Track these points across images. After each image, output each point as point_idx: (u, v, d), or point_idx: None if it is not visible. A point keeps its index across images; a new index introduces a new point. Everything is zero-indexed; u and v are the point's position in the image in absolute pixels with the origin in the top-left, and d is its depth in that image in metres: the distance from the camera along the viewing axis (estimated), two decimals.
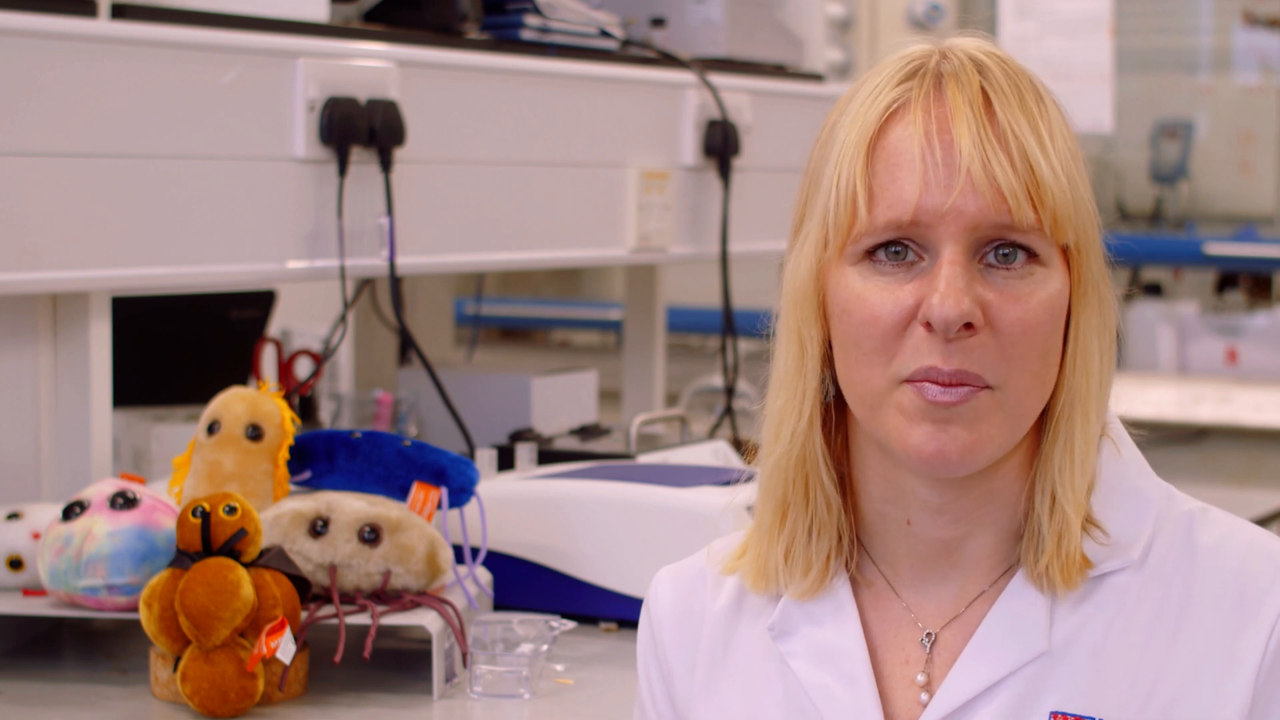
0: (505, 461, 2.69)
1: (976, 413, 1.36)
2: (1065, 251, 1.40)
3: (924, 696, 1.43)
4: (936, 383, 1.36)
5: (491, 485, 2.43)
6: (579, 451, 2.84)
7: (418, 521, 2.21)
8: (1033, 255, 1.38)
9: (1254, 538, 1.44)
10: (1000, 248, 1.37)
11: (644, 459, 2.77)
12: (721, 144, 3.23)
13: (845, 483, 1.47)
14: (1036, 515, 1.41)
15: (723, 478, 2.43)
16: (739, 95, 3.29)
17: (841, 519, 1.47)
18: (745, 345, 3.48)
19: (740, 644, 1.51)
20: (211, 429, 2.26)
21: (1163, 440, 4.88)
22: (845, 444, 1.47)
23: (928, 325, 1.36)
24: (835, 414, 1.46)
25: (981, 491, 1.42)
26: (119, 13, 2.36)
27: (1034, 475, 1.42)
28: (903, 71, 1.41)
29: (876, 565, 1.48)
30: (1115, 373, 1.45)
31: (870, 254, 1.39)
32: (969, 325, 1.35)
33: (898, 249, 1.38)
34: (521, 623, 2.21)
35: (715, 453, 2.88)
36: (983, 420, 1.37)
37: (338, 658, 2.09)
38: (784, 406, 1.45)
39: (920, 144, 1.37)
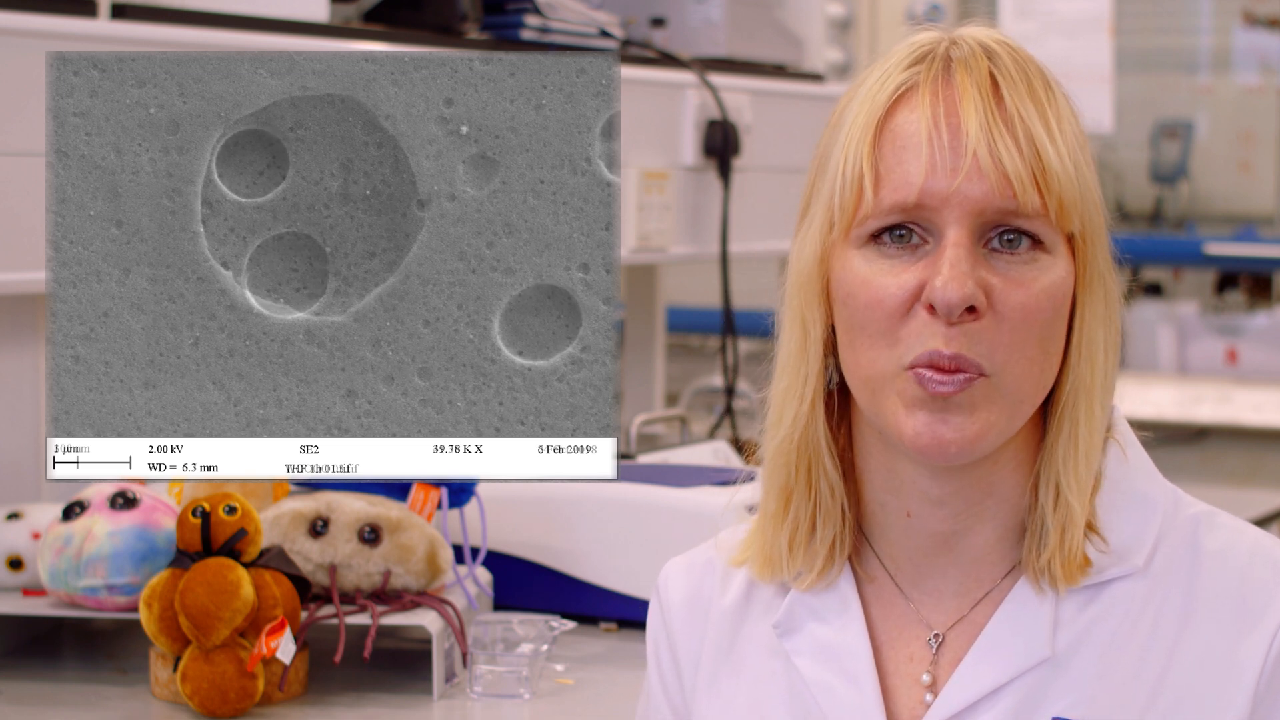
0: None
1: (974, 400, 1.36)
2: (1070, 241, 1.39)
3: (929, 697, 1.43)
4: (938, 368, 1.35)
5: (492, 485, 2.43)
6: None
7: (418, 521, 2.20)
8: (1037, 242, 1.37)
9: (1258, 543, 1.43)
10: (1005, 233, 1.37)
11: (644, 459, 2.76)
12: (721, 144, 3.23)
13: (848, 473, 1.47)
14: (1040, 508, 1.41)
15: (722, 478, 2.43)
16: (739, 95, 3.29)
17: (845, 508, 1.46)
18: (745, 345, 3.48)
19: (746, 640, 1.50)
20: None
21: (1163, 440, 4.86)
22: (849, 433, 1.47)
23: (931, 308, 1.35)
24: (838, 402, 1.46)
25: (982, 484, 1.42)
26: (119, 13, 2.36)
27: (1038, 468, 1.42)
28: (912, 56, 1.40)
29: (879, 559, 1.47)
30: (1116, 372, 1.45)
31: (875, 237, 1.39)
32: (972, 309, 1.35)
33: (902, 232, 1.38)
34: (521, 623, 2.21)
35: (715, 453, 2.87)
36: (981, 407, 1.36)
37: (338, 658, 2.08)
38: (786, 390, 1.45)
39: (927, 127, 1.36)
